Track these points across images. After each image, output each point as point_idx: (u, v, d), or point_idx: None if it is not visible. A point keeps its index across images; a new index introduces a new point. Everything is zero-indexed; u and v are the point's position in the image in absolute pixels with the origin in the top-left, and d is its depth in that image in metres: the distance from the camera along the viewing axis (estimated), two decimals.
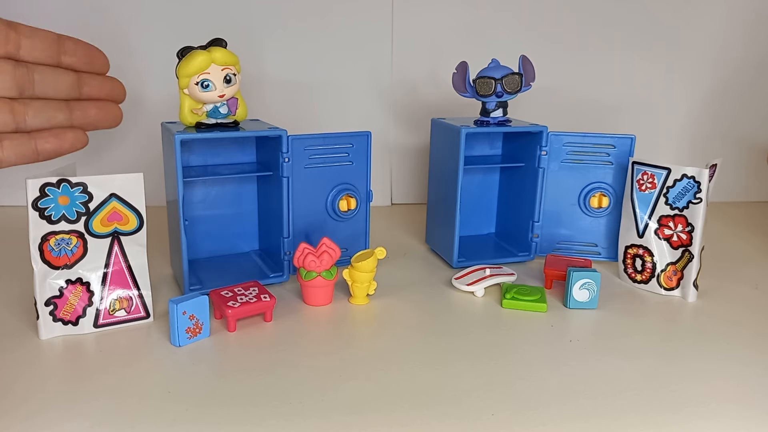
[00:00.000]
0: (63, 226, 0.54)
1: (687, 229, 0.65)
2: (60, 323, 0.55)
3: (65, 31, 0.70)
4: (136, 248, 0.57)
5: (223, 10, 0.91)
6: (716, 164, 0.65)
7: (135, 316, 0.58)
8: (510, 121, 0.73)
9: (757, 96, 1.03)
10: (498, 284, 0.67)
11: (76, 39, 0.70)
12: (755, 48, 1.01)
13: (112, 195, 0.55)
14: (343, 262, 0.68)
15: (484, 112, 0.72)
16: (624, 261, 0.70)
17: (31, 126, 0.66)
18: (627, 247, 0.69)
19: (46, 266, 0.54)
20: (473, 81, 0.71)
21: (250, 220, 0.74)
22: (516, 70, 0.70)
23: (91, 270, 0.56)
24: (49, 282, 0.54)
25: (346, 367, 0.52)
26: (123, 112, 0.92)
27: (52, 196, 0.53)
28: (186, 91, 0.60)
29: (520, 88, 0.71)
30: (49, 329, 0.55)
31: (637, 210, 0.68)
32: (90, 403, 0.46)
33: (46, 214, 0.53)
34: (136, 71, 0.91)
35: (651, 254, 0.67)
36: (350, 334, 0.58)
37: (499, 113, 0.72)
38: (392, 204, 1.03)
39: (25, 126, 0.66)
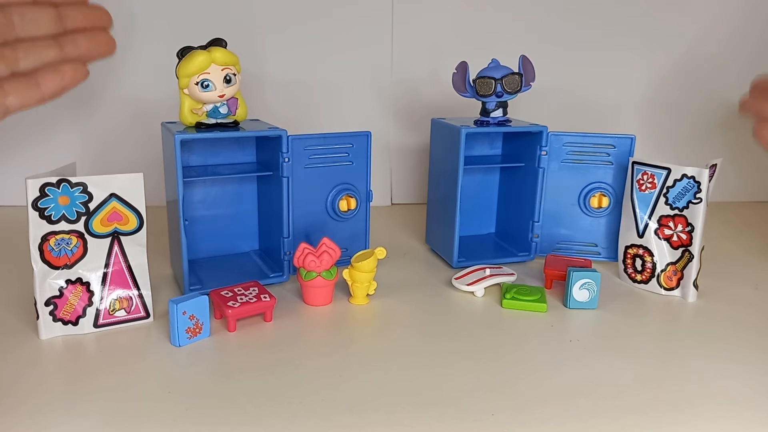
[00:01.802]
0: (63, 226, 0.54)
1: (687, 229, 0.65)
2: (60, 323, 0.55)
3: None
4: (136, 248, 0.57)
5: (223, 10, 0.91)
6: (716, 164, 0.65)
7: (135, 316, 0.58)
8: (510, 121, 0.73)
9: None
10: (498, 284, 0.67)
11: None
12: (755, 48, 1.01)
13: (112, 195, 0.55)
14: (343, 262, 0.68)
15: (484, 112, 0.72)
16: (624, 261, 0.70)
17: (25, 68, 0.66)
18: (627, 247, 0.69)
19: (46, 266, 0.54)
20: (473, 81, 0.71)
21: (250, 220, 0.74)
22: (516, 70, 0.70)
23: (91, 270, 0.56)
24: (49, 282, 0.54)
25: (346, 367, 0.52)
26: (122, 109, 0.92)
27: (52, 196, 0.53)
28: (186, 91, 0.60)
29: (520, 88, 0.71)
30: (49, 329, 0.55)
31: (637, 210, 0.68)
32: (90, 403, 0.46)
33: (46, 214, 0.53)
34: (136, 71, 0.91)
35: (651, 254, 0.67)
36: (350, 334, 0.58)
37: (499, 113, 0.72)
38: (392, 204, 1.03)
39: (19, 69, 0.65)
